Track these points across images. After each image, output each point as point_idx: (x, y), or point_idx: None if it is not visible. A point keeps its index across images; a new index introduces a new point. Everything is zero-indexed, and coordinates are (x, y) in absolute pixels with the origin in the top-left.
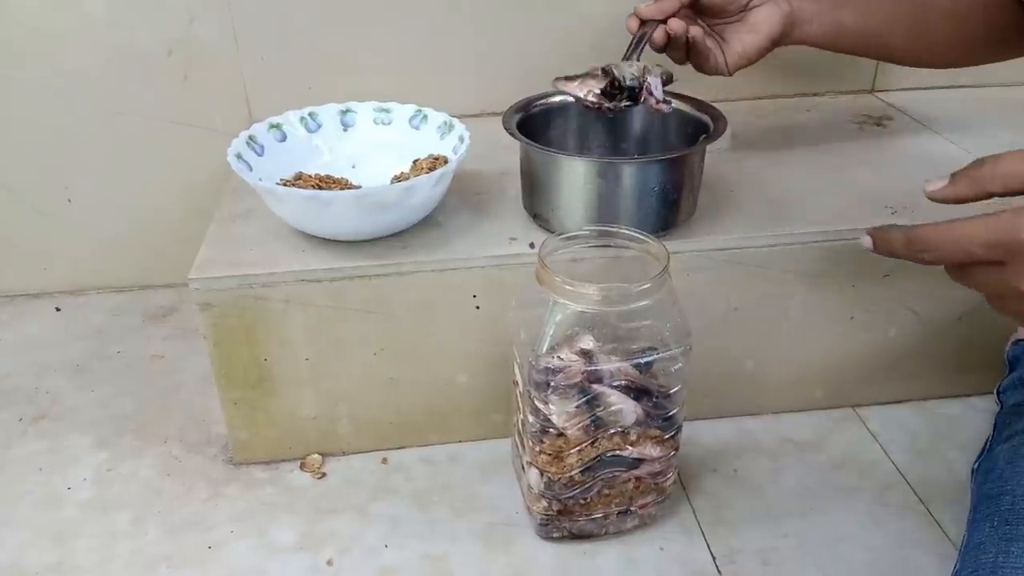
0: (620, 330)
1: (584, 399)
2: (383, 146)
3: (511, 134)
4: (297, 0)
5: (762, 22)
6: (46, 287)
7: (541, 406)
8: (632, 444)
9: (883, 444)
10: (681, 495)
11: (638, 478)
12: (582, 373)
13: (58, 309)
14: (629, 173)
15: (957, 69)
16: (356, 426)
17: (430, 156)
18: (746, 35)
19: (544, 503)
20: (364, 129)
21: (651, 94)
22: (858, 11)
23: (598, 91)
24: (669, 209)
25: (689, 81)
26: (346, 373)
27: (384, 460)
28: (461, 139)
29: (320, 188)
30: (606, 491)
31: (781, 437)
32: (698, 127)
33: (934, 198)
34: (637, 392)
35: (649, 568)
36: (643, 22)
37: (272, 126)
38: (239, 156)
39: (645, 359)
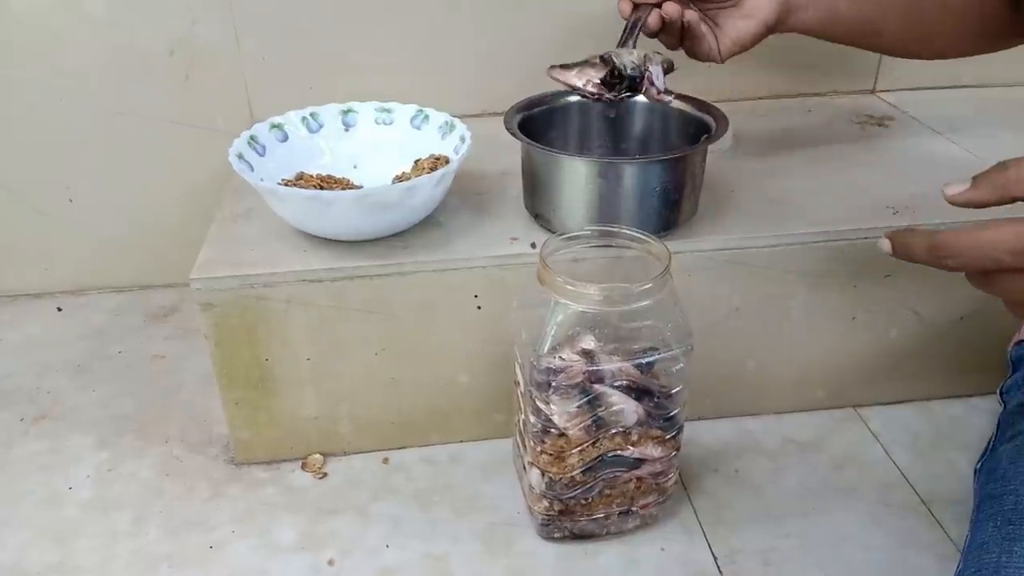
0: (621, 330)
1: (585, 399)
2: (384, 146)
3: (512, 134)
4: (298, 1)
5: (757, 7)
6: (47, 287)
7: (542, 406)
8: (633, 444)
9: (884, 444)
10: (682, 495)
11: (639, 478)
12: (583, 373)
13: (59, 309)
14: (630, 173)
15: (958, 69)
16: (357, 426)
17: (431, 156)
18: (740, 21)
19: (545, 503)
20: (365, 129)
21: (652, 84)
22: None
23: (598, 80)
24: (670, 209)
25: (690, 81)
26: (347, 373)
27: (385, 460)
28: (462, 139)
29: (321, 188)
30: (607, 491)
31: (782, 437)
32: (699, 127)
33: (955, 202)
34: (638, 392)
35: (650, 568)
36: (636, 6)
37: (273, 126)
38: (240, 156)
39: (646, 359)
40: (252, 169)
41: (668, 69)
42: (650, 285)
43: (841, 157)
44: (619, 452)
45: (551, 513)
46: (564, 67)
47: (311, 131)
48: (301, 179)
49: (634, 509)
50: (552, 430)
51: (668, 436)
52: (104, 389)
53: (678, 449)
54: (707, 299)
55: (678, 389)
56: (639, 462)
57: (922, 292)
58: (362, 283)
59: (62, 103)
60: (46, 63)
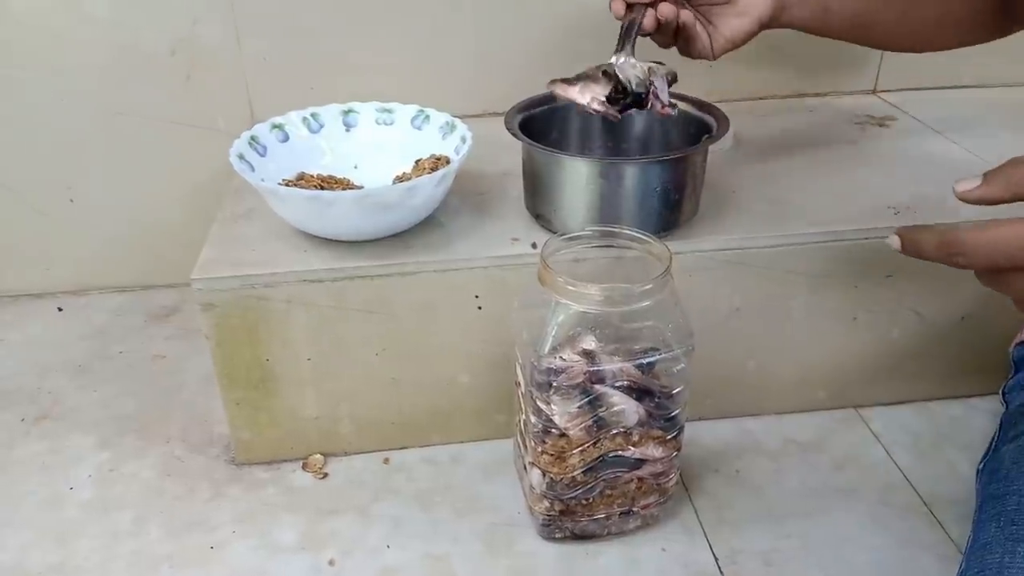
0: (622, 331)
1: (586, 399)
2: (385, 146)
3: (513, 134)
4: (299, 1)
5: (752, 5)
6: (48, 287)
7: (543, 406)
8: (634, 445)
9: (885, 445)
10: (683, 496)
11: (640, 479)
12: (584, 374)
13: (60, 309)
14: (631, 173)
15: (958, 69)
16: (358, 426)
17: (432, 156)
18: (734, 18)
19: (546, 503)
20: (366, 129)
21: (657, 98)
22: None
23: (603, 98)
24: (671, 209)
25: (690, 81)
26: (348, 373)
27: (386, 460)
28: (463, 139)
29: (322, 188)
30: (608, 491)
31: (783, 438)
32: (700, 127)
33: (966, 199)
34: (639, 393)
35: (651, 569)
36: (630, 6)
37: (274, 126)
38: (241, 156)
39: (647, 360)
40: (253, 169)
41: (672, 81)
42: (651, 285)
43: (842, 157)
44: (620, 452)
45: (552, 513)
46: (566, 81)
47: (312, 131)
48: (302, 179)
49: (635, 509)
50: (553, 430)
51: (669, 436)
52: (105, 389)
53: (679, 449)
54: (708, 299)
55: (679, 389)
56: (640, 462)
57: (923, 292)
58: (363, 283)
59: (63, 103)
60: (47, 63)
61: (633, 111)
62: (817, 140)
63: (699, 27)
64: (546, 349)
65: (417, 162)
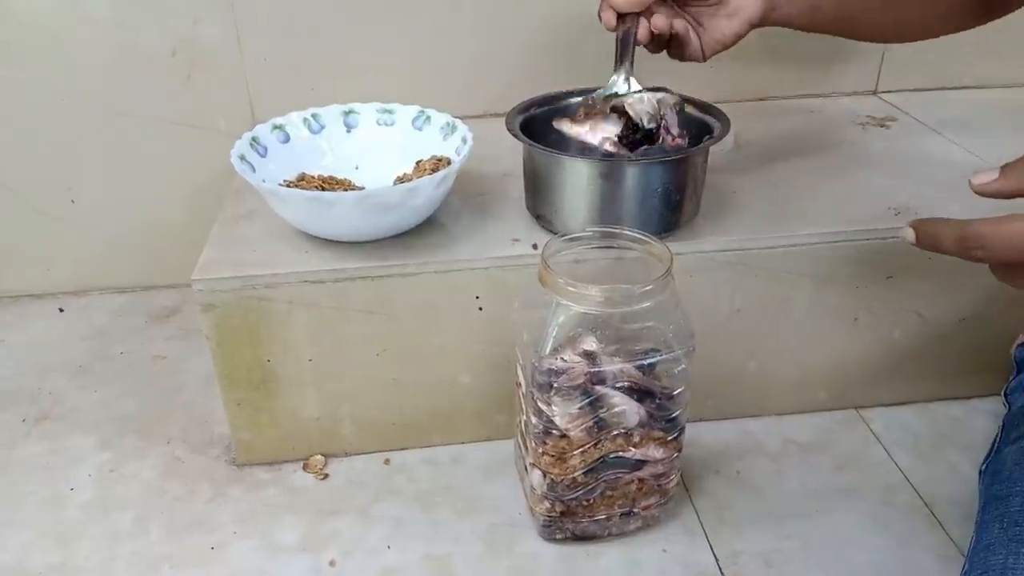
0: (623, 331)
1: (587, 400)
2: (386, 147)
3: (514, 135)
4: (300, 1)
5: (743, 7)
6: (49, 288)
7: (544, 407)
8: (635, 445)
9: (886, 446)
10: (684, 497)
11: (641, 479)
12: (585, 374)
13: (61, 310)
14: (632, 174)
15: (959, 70)
16: (359, 427)
17: (433, 157)
18: (725, 20)
19: (547, 504)
20: (367, 130)
21: (668, 131)
22: None
23: (615, 139)
24: (672, 210)
25: (691, 81)
26: (349, 374)
27: (387, 461)
28: (464, 140)
29: (323, 189)
30: (609, 492)
31: (784, 439)
32: (701, 128)
33: (983, 192)
34: (640, 393)
35: (652, 569)
36: (621, 16)
37: (275, 127)
38: (242, 157)
39: (648, 360)
40: (254, 170)
41: (680, 109)
42: (651, 286)
43: (843, 158)
44: (621, 453)
45: (553, 514)
46: (572, 120)
47: (313, 132)
48: (303, 180)
49: (636, 510)
50: (554, 431)
51: (670, 437)
52: (106, 390)
53: (680, 450)
54: (709, 300)
55: (680, 390)
56: (641, 463)
57: (924, 293)
58: (364, 284)
59: (63, 103)
60: (47, 63)
61: (644, 147)
62: (818, 141)
63: (690, 31)
64: (547, 350)
65: (418, 163)
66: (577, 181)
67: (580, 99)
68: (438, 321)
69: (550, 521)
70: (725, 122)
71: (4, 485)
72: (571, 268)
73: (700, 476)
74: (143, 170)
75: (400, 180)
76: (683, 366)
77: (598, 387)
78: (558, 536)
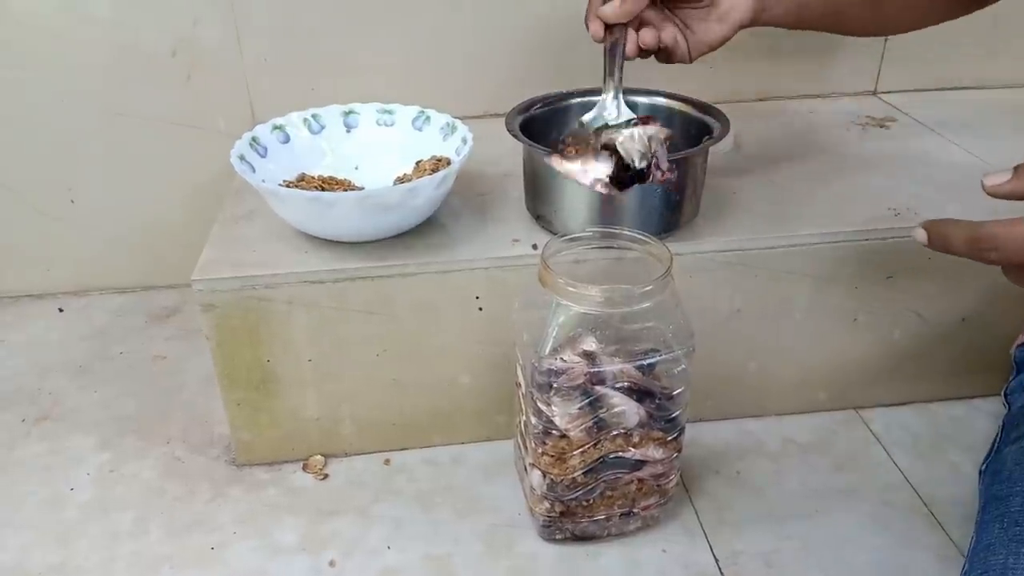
0: (623, 332)
1: (587, 401)
2: (386, 147)
3: (514, 135)
4: (300, 2)
5: (732, 11)
6: (49, 288)
7: (544, 408)
8: (635, 446)
9: (886, 446)
10: (684, 497)
11: (640, 480)
12: (585, 375)
13: (61, 310)
14: None
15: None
16: (359, 427)
17: (433, 157)
18: (714, 24)
19: (547, 504)
20: (367, 130)
21: (658, 168)
22: None
23: (606, 180)
24: (672, 211)
25: (691, 82)
26: (349, 374)
27: (387, 461)
28: (464, 140)
29: (323, 189)
30: (608, 493)
31: (784, 439)
32: (701, 129)
33: (996, 193)
34: (640, 394)
35: (652, 570)
36: (609, 27)
37: (275, 127)
38: (242, 157)
39: (648, 361)
40: (254, 170)
41: (670, 144)
42: (651, 287)
43: (842, 158)
44: (620, 454)
45: (552, 514)
46: (564, 155)
47: (313, 132)
48: (303, 180)
49: (635, 511)
50: (553, 431)
51: (669, 438)
52: (105, 390)
53: (679, 450)
54: (709, 300)
55: (679, 391)
56: (640, 464)
57: (924, 293)
58: (363, 284)
59: (63, 103)
60: (47, 63)
61: (635, 185)
62: (817, 141)
63: (677, 37)
64: (547, 350)
65: (418, 163)
66: None
67: (568, 133)
68: (438, 321)
69: (550, 521)
70: (725, 122)
71: (4, 485)
72: (571, 268)
73: (700, 476)
74: (143, 170)
75: (400, 180)
76: (683, 366)
77: (598, 387)
78: (558, 536)
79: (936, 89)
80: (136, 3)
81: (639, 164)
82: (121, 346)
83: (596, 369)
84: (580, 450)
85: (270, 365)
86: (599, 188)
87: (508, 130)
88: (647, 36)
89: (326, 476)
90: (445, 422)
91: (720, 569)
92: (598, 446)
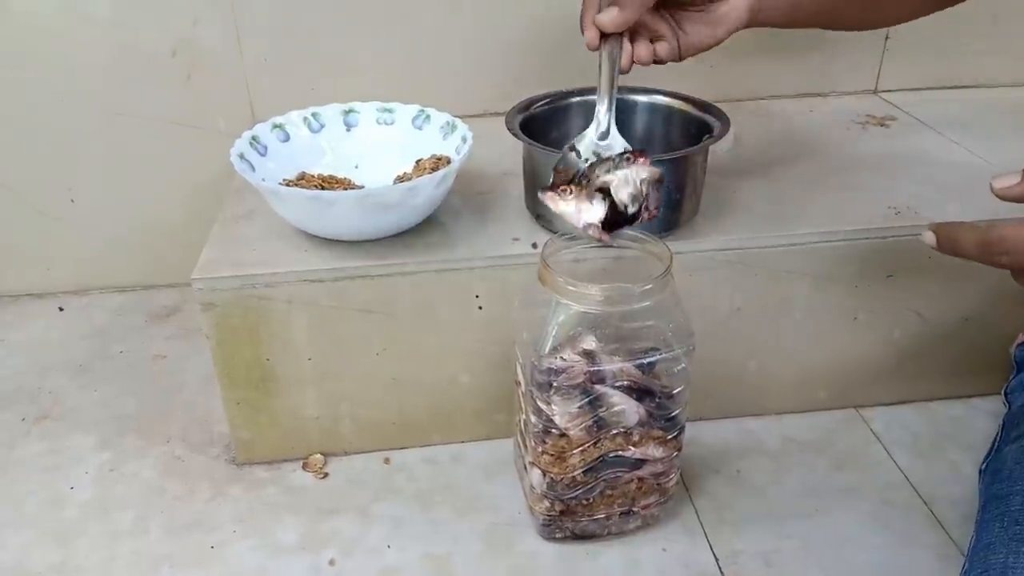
0: (623, 330)
1: (586, 399)
2: (386, 146)
3: (514, 134)
4: (300, 1)
5: (727, 17)
6: (49, 287)
7: (543, 406)
8: (634, 445)
9: (886, 445)
10: (684, 496)
11: (640, 479)
12: (584, 374)
13: (61, 309)
14: None
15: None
16: (358, 426)
17: (433, 156)
18: (708, 27)
19: (546, 503)
20: (367, 129)
21: (647, 209)
22: None
23: (598, 224)
24: (672, 209)
25: (691, 81)
26: (349, 373)
27: (386, 460)
28: (464, 139)
29: (323, 188)
30: (608, 492)
31: (784, 438)
32: (701, 127)
33: (1005, 196)
34: (640, 393)
35: (651, 569)
36: (604, 35)
37: (275, 126)
38: (242, 156)
39: (648, 360)
40: (254, 169)
41: (659, 185)
42: (651, 285)
43: (842, 157)
44: (620, 452)
45: (552, 513)
46: (557, 192)
47: (313, 131)
48: (303, 179)
49: (635, 509)
50: (553, 430)
51: (669, 436)
52: (105, 389)
53: (679, 449)
54: (709, 299)
55: (679, 389)
56: (640, 462)
57: (924, 292)
58: (363, 283)
59: (63, 103)
60: (47, 63)
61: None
62: (818, 140)
63: (670, 37)
64: (546, 349)
65: (418, 162)
66: None
67: (561, 161)
68: (438, 320)
69: (550, 520)
70: (725, 121)
71: (4, 484)
72: (571, 267)
73: (700, 475)
74: (143, 170)
75: (400, 179)
76: (683, 365)
77: (597, 386)
78: (558, 535)
79: (937, 88)
80: (136, 3)
81: (631, 209)
82: (121, 345)
83: (596, 368)
84: (580, 449)
85: (270, 364)
86: (591, 232)
87: (508, 129)
88: (642, 51)
89: (326, 475)
90: (445, 421)
91: (720, 568)
92: (598, 445)
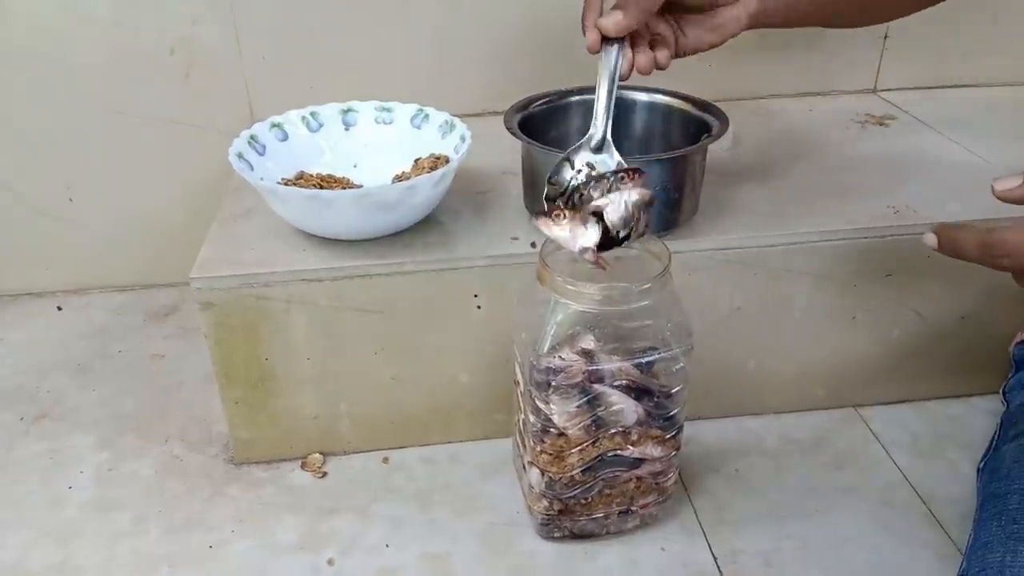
0: (621, 330)
1: (585, 399)
2: (385, 145)
3: (512, 133)
4: (299, 1)
5: (727, 24)
6: (48, 286)
7: (542, 406)
8: (633, 444)
9: (885, 444)
10: (682, 495)
11: (639, 478)
12: (583, 373)
13: (60, 308)
14: None
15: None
16: (357, 425)
17: (431, 155)
18: (707, 32)
19: (545, 503)
20: (366, 128)
21: (637, 232)
22: None
23: (593, 248)
24: (671, 209)
25: (690, 80)
26: (347, 372)
27: (385, 459)
28: (462, 138)
29: (321, 187)
30: (607, 491)
31: (783, 437)
32: (700, 126)
33: (1007, 198)
34: (638, 392)
35: (650, 568)
36: (605, 38)
37: (273, 125)
38: (240, 155)
39: (646, 359)
40: (252, 168)
41: (650, 207)
42: (650, 285)
43: (842, 156)
44: (619, 452)
45: (551, 512)
46: (552, 217)
47: (311, 130)
48: (301, 178)
49: (634, 509)
50: (552, 429)
51: (668, 436)
52: (104, 388)
53: (678, 449)
54: (707, 299)
55: (678, 389)
56: (639, 462)
57: (923, 292)
58: (362, 282)
59: (63, 103)
60: (48, 62)
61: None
62: (817, 139)
63: (669, 39)
64: (545, 348)
65: (416, 161)
66: None
67: (553, 175)
68: (436, 320)
69: (548, 519)
70: (724, 120)
71: (3, 484)
72: (569, 266)
73: (699, 474)
74: (142, 169)
75: (399, 178)
76: (681, 364)
77: (596, 385)
78: (556, 535)
79: (936, 87)
80: (135, 2)
81: (623, 233)
82: (120, 345)
83: (594, 367)
84: (578, 448)
85: (268, 363)
86: (587, 256)
87: (507, 128)
88: (642, 60)
89: (325, 474)
90: (444, 420)
91: (719, 568)
92: (596, 444)
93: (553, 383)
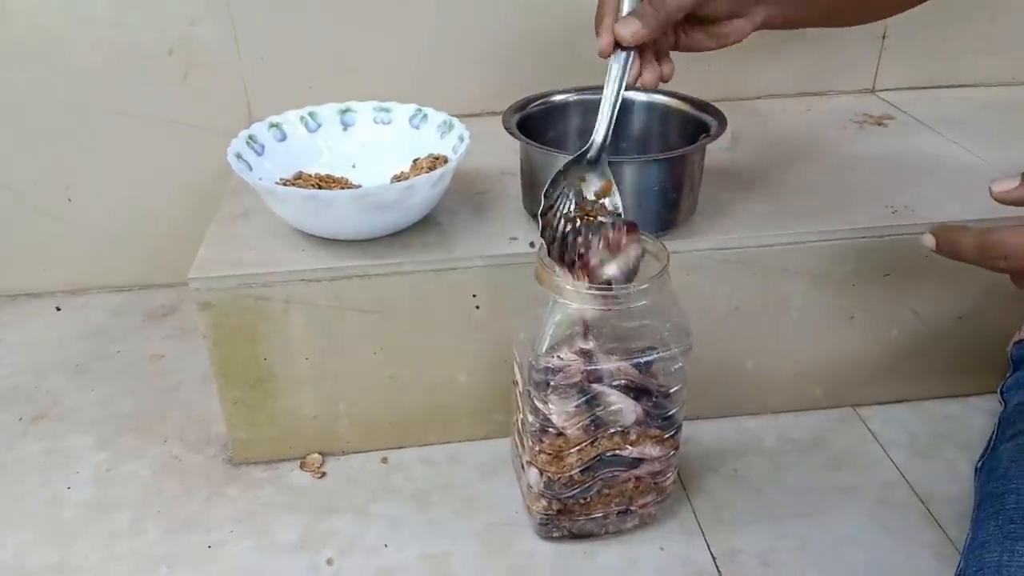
0: (620, 330)
1: (584, 399)
2: (383, 145)
3: (511, 133)
4: (298, 1)
5: (731, 33)
6: (46, 287)
7: (541, 406)
8: (632, 444)
9: (883, 444)
10: (681, 495)
11: (638, 478)
12: (582, 373)
13: (58, 309)
14: (629, 172)
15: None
16: (356, 425)
17: (430, 155)
18: (709, 39)
19: (544, 502)
20: (364, 128)
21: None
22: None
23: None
24: (669, 209)
25: (689, 80)
26: (346, 372)
27: (384, 460)
28: (461, 138)
29: (320, 187)
30: (606, 491)
31: (781, 437)
32: (698, 127)
33: (1004, 200)
34: (637, 392)
35: (649, 568)
36: (617, 45)
37: (272, 125)
38: (239, 155)
39: (645, 359)
40: (250, 168)
41: (640, 259)
42: (648, 284)
43: (840, 156)
44: (617, 451)
45: (550, 512)
46: (555, 258)
47: (310, 130)
48: (299, 178)
49: (633, 509)
50: (550, 429)
51: (667, 435)
52: (103, 389)
53: (677, 448)
54: (706, 298)
55: (677, 388)
56: (637, 461)
57: (921, 291)
58: (361, 283)
59: (62, 102)
60: (46, 62)
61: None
62: (815, 139)
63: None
64: (544, 348)
65: (415, 161)
66: None
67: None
68: (435, 320)
69: (547, 519)
70: (722, 120)
71: (1, 485)
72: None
73: (697, 474)
74: (140, 169)
75: (397, 178)
76: (680, 364)
77: (595, 385)
78: (555, 534)
79: (934, 87)
80: (134, 3)
81: (620, 280)
82: (118, 345)
83: (593, 367)
84: (577, 448)
85: (267, 364)
86: (598, 304)
87: (505, 128)
88: (648, 77)
89: (323, 475)
90: (442, 420)
91: (717, 567)
92: (595, 444)
93: (552, 383)
